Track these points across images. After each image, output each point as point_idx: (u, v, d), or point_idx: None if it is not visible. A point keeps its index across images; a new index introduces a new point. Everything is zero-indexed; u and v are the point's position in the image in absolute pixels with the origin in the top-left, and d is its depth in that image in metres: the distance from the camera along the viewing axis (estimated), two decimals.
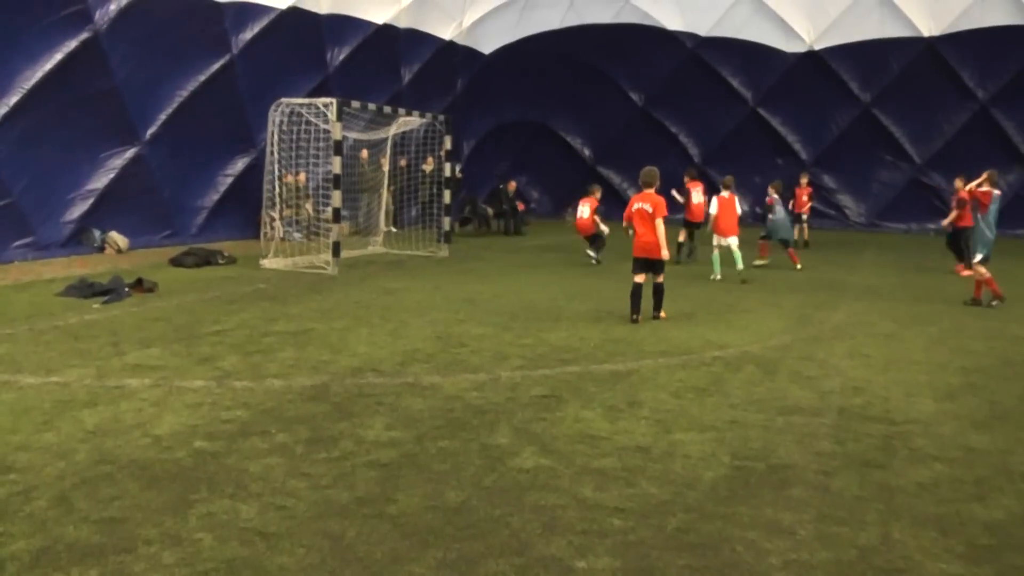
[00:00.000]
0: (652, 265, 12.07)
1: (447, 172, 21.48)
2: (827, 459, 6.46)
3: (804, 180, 25.00)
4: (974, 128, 28.37)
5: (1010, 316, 13.18)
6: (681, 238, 19.85)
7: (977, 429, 7.32)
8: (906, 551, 4.94)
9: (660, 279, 12.19)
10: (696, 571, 4.64)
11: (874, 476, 6.13)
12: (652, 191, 12.09)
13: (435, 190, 23.27)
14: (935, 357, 10.20)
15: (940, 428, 7.32)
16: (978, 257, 14.09)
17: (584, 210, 19.60)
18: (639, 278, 12.07)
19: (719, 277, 16.59)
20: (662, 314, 12.20)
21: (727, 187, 17.39)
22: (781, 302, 14.12)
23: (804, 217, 24.37)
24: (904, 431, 7.20)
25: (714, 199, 17.33)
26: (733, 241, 16.92)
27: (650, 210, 11.91)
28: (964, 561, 4.83)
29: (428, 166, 24.38)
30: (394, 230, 23.05)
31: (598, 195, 19.87)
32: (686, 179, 20.22)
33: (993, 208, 14.12)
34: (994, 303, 13.98)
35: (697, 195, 19.76)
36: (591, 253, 19.17)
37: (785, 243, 19.08)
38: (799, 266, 18.56)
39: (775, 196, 19.15)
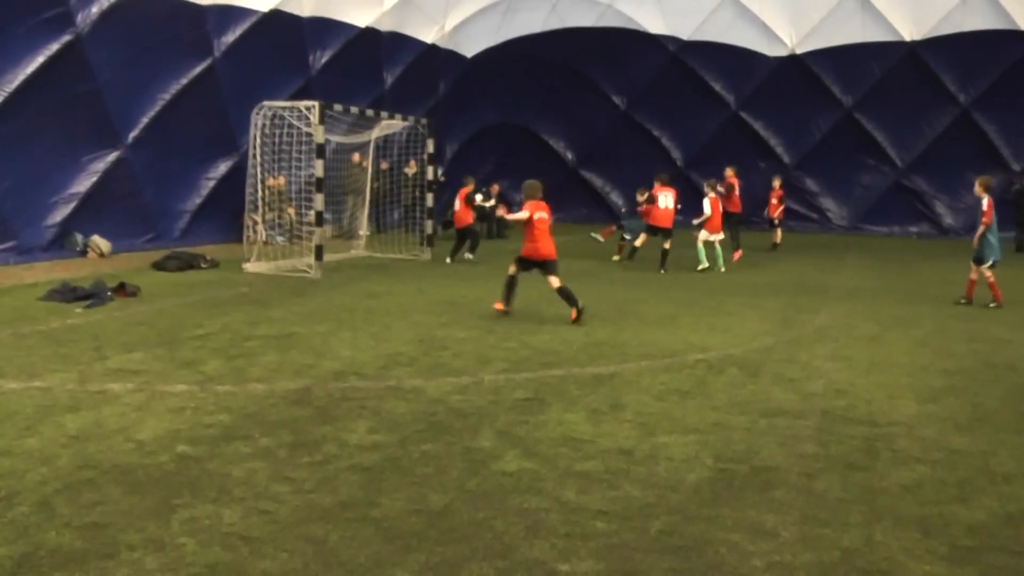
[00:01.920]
0: (543, 265, 12.52)
1: (429, 175, 21.48)
2: (810, 461, 6.48)
3: (776, 183, 24.91)
4: (956, 132, 28.54)
5: (992, 318, 13.25)
6: (639, 243, 19.91)
7: (959, 431, 7.35)
8: (889, 552, 4.96)
9: (559, 282, 12.37)
10: (679, 573, 4.65)
11: (857, 478, 6.15)
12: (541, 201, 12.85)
13: (418, 193, 23.27)
14: (918, 359, 10.24)
15: (923, 430, 7.35)
16: (989, 262, 14.21)
17: (457, 202, 20.01)
18: (514, 269, 12.70)
19: (707, 265, 18.63)
20: (575, 313, 12.13)
21: (713, 188, 19.25)
22: (763, 304, 14.16)
23: (776, 222, 24.39)
24: (887, 433, 7.22)
25: (705, 201, 19.05)
26: (718, 237, 19.13)
27: (547, 218, 12.83)
28: (947, 562, 4.85)
29: (411, 169, 24.38)
30: (363, 233, 22.89)
31: (471, 187, 20.60)
32: (656, 184, 19.47)
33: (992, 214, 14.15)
34: (991, 305, 14.15)
35: (665, 200, 19.10)
36: (469, 256, 19.57)
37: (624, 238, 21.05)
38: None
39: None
